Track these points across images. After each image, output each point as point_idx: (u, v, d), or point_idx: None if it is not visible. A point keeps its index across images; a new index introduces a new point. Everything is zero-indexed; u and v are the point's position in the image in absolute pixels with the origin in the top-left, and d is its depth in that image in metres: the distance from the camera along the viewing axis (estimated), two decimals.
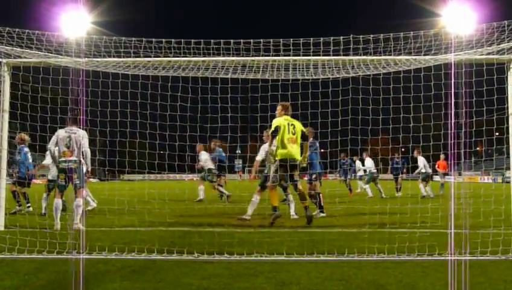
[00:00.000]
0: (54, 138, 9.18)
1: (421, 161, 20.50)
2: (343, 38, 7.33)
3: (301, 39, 7.34)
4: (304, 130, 10.00)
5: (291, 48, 7.57)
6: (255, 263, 5.85)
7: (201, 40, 7.20)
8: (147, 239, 6.99)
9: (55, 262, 5.85)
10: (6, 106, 8.85)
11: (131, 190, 17.18)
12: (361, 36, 7.28)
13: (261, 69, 8.12)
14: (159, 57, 7.62)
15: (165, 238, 7.16)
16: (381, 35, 7.28)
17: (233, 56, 7.54)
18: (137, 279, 5.09)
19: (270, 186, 9.92)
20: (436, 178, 24.89)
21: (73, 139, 9.07)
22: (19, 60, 8.73)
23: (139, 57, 7.66)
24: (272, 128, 9.60)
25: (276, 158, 9.70)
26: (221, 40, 7.22)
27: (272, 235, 7.69)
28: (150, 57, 7.65)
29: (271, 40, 7.47)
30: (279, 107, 9.92)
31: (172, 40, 7.22)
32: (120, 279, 5.07)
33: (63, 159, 9.03)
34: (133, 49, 7.47)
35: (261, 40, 7.28)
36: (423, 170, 20.43)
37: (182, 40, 7.20)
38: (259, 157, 10.96)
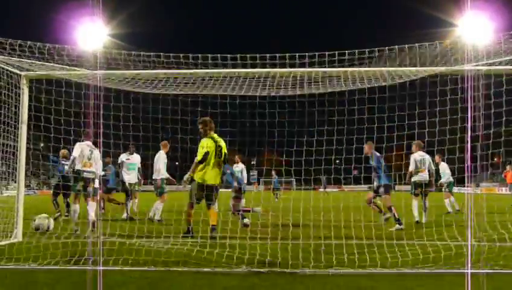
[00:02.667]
0: (77, 149, 10.20)
1: (444, 167, 17.31)
2: (358, 52, 7.32)
3: (327, 53, 7.35)
4: (226, 151, 9.67)
5: (307, 61, 7.55)
6: (271, 275, 5.83)
7: (218, 55, 7.23)
8: (163, 251, 6.99)
9: (73, 273, 5.87)
10: (25, 117, 8.98)
11: (147, 201, 17.23)
12: (376, 49, 7.26)
13: (277, 83, 8.14)
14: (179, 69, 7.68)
15: (181, 250, 7.15)
16: (396, 46, 7.26)
17: (250, 68, 7.58)
18: None
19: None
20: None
21: (94, 154, 10.31)
22: (37, 72, 8.87)
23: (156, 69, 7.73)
24: (200, 157, 9.32)
25: (196, 181, 9.47)
26: (238, 55, 7.24)
27: (287, 247, 7.63)
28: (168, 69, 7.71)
29: (290, 54, 7.50)
30: (201, 124, 9.57)
31: (190, 54, 7.26)
32: None
33: (83, 168, 10.12)
34: (151, 64, 7.53)
35: (277, 55, 7.31)
36: (449, 179, 17.22)
37: (199, 54, 7.25)
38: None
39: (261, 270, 6.03)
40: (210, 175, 9.47)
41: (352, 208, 15.93)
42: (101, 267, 5.99)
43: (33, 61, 8.02)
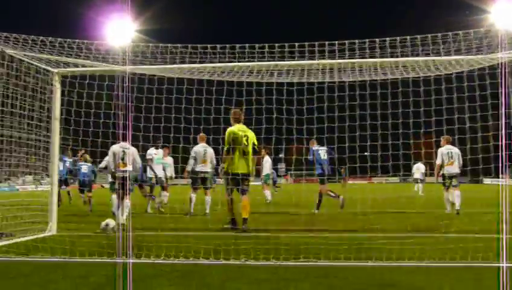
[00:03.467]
0: (110, 153, 11.01)
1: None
2: (389, 39, 7.17)
3: (356, 41, 7.22)
4: (256, 142, 9.79)
5: (337, 50, 7.45)
6: (302, 267, 5.80)
7: (246, 45, 7.19)
8: (193, 244, 7.04)
9: (106, 266, 5.96)
10: (57, 113, 9.14)
11: (176, 194, 17.36)
12: (408, 37, 7.09)
13: (305, 72, 8.06)
14: (204, 62, 7.70)
15: (211, 243, 7.19)
16: (429, 35, 7.08)
17: (277, 60, 7.52)
18: (185, 283, 5.13)
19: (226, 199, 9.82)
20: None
21: (127, 154, 10.91)
22: (68, 69, 9.02)
23: (185, 63, 7.76)
24: (226, 146, 9.52)
25: (225, 171, 9.71)
26: (266, 44, 7.19)
27: (318, 240, 7.60)
28: (195, 63, 7.74)
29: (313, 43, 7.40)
30: (233, 117, 9.73)
31: (218, 45, 7.26)
32: (168, 283, 5.13)
33: (121, 169, 10.89)
34: (178, 55, 7.56)
35: (306, 44, 7.23)
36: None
37: (227, 45, 7.23)
38: None
39: (290, 263, 6.01)
40: (239, 164, 9.56)
41: (379, 199, 15.78)
42: (131, 260, 6.07)
43: (64, 58, 8.15)
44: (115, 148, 11.00)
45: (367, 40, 7.16)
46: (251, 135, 9.72)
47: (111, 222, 9.55)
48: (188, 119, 9.20)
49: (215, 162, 13.29)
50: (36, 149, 9.50)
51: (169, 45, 7.31)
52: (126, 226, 9.88)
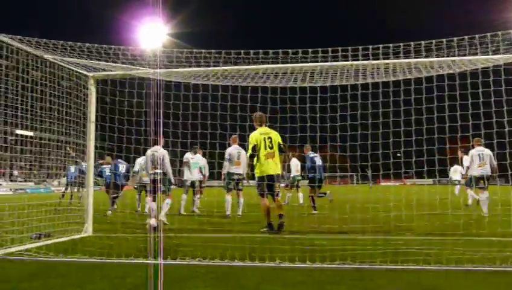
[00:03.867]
0: (145, 158, 11.63)
1: (466, 161, 16.32)
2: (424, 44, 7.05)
3: (391, 45, 7.14)
4: (281, 141, 9.76)
5: (370, 52, 7.37)
6: (338, 270, 5.75)
7: (279, 50, 7.19)
8: (228, 245, 7.06)
9: (142, 267, 6.03)
10: (93, 117, 9.32)
11: (211, 196, 17.52)
12: (444, 40, 6.97)
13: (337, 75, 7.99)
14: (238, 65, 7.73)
15: (246, 245, 7.20)
16: (466, 37, 6.93)
17: (310, 62, 7.48)
18: (220, 285, 5.15)
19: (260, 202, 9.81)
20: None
21: (156, 157, 11.23)
22: (103, 73, 9.18)
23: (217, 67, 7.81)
24: (249, 152, 9.59)
25: (256, 176, 9.69)
26: (300, 50, 7.17)
27: (354, 243, 7.52)
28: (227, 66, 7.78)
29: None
30: (255, 120, 9.75)
31: (251, 51, 7.27)
32: (203, 285, 5.15)
33: (151, 171, 11.32)
34: (212, 60, 7.61)
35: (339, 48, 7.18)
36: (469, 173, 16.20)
37: (260, 50, 7.23)
38: None
39: (325, 265, 5.97)
40: (267, 166, 9.60)
41: (413, 202, 15.53)
42: (162, 261, 6.14)
43: (99, 62, 8.30)
44: (148, 152, 11.41)
45: (401, 44, 7.07)
46: (274, 135, 9.72)
47: (154, 222, 10.31)
48: (224, 125, 9.26)
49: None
50: (74, 152, 9.72)
51: (203, 50, 7.37)
52: (167, 226, 10.15)
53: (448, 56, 7.33)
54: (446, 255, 6.21)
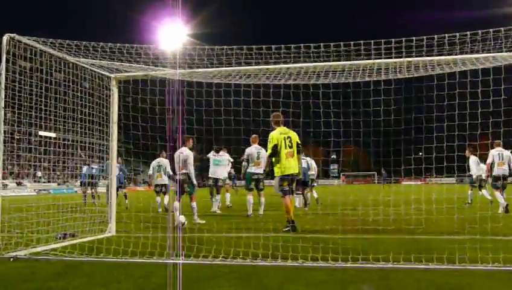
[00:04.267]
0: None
1: (473, 161, 17.14)
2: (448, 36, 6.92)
3: (413, 38, 7.03)
4: (299, 141, 9.89)
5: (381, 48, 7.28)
6: (361, 270, 5.72)
7: (301, 45, 7.14)
8: (250, 245, 7.07)
9: (166, 267, 6.06)
10: (115, 117, 9.41)
11: (233, 196, 17.57)
12: (458, 34, 6.85)
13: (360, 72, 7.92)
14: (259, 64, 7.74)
15: (268, 244, 7.20)
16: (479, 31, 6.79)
17: (333, 61, 7.44)
18: (244, 285, 5.15)
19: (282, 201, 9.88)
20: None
21: (181, 158, 11.72)
22: (125, 74, 9.26)
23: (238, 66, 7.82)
24: (269, 151, 9.68)
25: (275, 175, 9.76)
26: (321, 44, 7.11)
27: (376, 242, 7.47)
28: (250, 65, 7.78)
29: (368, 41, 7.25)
30: (272, 120, 9.87)
31: (273, 46, 7.25)
32: (227, 284, 5.16)
33: (178, 172, 11.71)
34: (234, 57, 7.62)
35: (362, 42, 7.10)
36: (474, 173, 17.29)
37: (282, 45, 7.20)
38: None
39: (348, 265, 5.93)
40: (286, 166, 9.65)
41: (435, 201, 15.37)
42: (181, 261, 6.17)
43: (122, 63, 8.38)
44: (175, 154, 11.95)
45: (424, 37, 6.96)
46: (293, 134, 9.81)
47: (184, 220, 10.77)
48: (247, 121, 9.28)
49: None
50: (95, 152, 9.84)
51: (225, 47, 7.37)
52: (189, 225, 10.58)
53: (471, 51, 7.21)
54: (471, 254, 6.11)
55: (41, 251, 7.19)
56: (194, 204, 11.83)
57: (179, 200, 11.35)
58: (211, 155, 15.61)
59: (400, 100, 8.37)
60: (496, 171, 13.97)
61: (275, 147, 9.62)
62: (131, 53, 7.85)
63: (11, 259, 6.66)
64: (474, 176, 17.28)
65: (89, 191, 19.17)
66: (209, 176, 15.70)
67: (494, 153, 13.94)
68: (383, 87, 8.20)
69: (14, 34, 7.16)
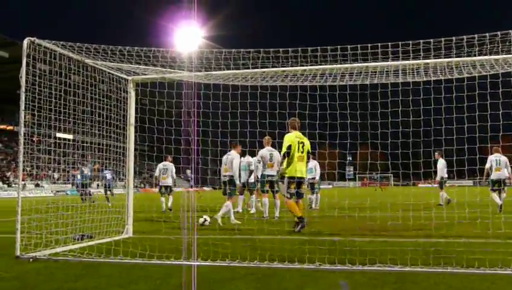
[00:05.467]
0: (223, 161, 12.58)
1: (441, 164, 18.67)
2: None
3: (431, 40, 6.97)
4: (310, 150, 10.39)
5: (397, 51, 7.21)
6: (379, 273, 5.67)
7: (318, 48, 7.12)
8: (267, 247, 7.07)
9: (185, 268, 6.08)
10: (132, 120, 9.48)
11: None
12: (487, 34, 6.75)
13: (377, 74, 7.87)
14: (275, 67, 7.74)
15: (285, 246, 7.18)
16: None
17: (350, 63, 7.41)
18: (262, 287, 5.15)
19: (286, 200, 10.22)
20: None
21: (229, 159, 12.35)
22: (142, 76, 9.33)
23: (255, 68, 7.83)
24: (284, 150, 9.98)
25: (285, 175, 10.10)
26: (338, 47, 7.09)
27: (393, 245, 7.41)
28: (266, 68, 7.79)
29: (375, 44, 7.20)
30: (290, 124, 10.24)
31: (281, 49, 7.26)
32: (245, 286, 5.17)
33: (223, 174, 12.49)
34: (251, 60, 7.62)
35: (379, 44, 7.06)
36: (443, 175, 18.82)
37: (299, 48, 7.18)
38: None
39: (366, 268, 5.90)
40: (297, 168, 10.02)
41: (457, 205, 15.26)
42: (194, 263, 6.19)
43: (139, 66, 8.43)
44: (224, 156, 12.56)
45: (443, 38, 6.89)
46: (306, 142, 10.26)
47: (208, 218, 11.26)
48: (263, 124, 9.27)
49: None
50: (114, 154, 9.91)
51: (241, 50, 7.38)
52: (204, 226, 10.74)
53: (491, 53, 7.11)
54: (490, 258, 6.02)
55: (59, 252, 7.27)
56: (229, 204, 12.08)
57: (229, 201, 11.99)
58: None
59: (418, 101, 8.27)
60: (493, 176, 15.26)
61: (290, 147, 9.91)
62: (149, 56, 7.89)
63: (31, 260, 6.74)
64: (438, 177, 18.95)
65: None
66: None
67: (492, 158, 15.24)
68: (401, 88, 8.14)
69: (34, 38, 7.25)
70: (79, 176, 22.19)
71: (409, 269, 5.78)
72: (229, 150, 12.45)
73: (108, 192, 20.87)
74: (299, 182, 10.14)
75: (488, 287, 5.00)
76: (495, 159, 15.29)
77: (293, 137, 10.07)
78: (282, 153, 10.12)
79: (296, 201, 10.16)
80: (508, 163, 15.38)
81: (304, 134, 10.23)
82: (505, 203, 14.80)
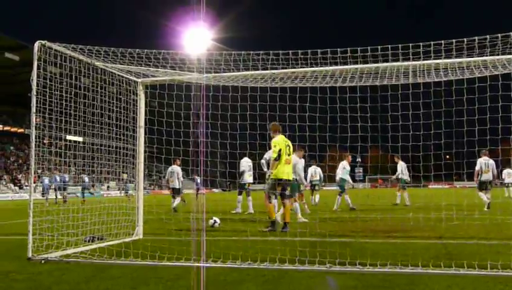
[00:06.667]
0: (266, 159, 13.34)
1: (400, 166, 20.65)
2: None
3: (442, 41, 6.92)
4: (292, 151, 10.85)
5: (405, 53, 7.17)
6: (390, 275, 5.64)
7: (328, 50, 7.10)
8: (277, 248, 7.06)
9: (194, 269, 6.09)
10: (142, 121, 9.52)
11: (259, 199, 17.61)
12: (499, 35, 6.68)
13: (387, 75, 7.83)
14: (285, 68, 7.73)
15: (295, 248, 7.16)
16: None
17: (360, 64, 7.38)
18: (272, 289, 5.15)
19: (266, 202, 10.78)
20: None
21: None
22: (152, 78, 9.35)
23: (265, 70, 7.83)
24: (275, 154, 10.25)
25: (271, 177, 10.41)
26: (348, 49, 7.06)
27: (404, 247, 7.38)
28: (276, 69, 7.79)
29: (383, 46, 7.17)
30: (271, 128, 10.56)
31: (290, 51, 7.26)
32: (255, 288, 5.16)
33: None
34: (260, 62, 7.63)
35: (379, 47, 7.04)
36: (401, 176, 20.69)
37: (309, 50, 7.17)
38: None
39: (377, 269, 5.86)
40: (283, 171, 10.37)
41: (467, 206, 15.17)
42: (204, 264, 6.20)
43: (149, 68, 8.47)
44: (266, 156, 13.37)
45: (454, 40, 6.84)
46: (291, 144, 10.65)
47: (218, 220, 11.40)
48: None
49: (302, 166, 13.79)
50: (124, 156, 9.97)
51: (251, 52, 7.39)
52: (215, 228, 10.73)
53: (504, 53, 7.04)
54: (502, 260, 5.97)
55: (71, 254, 7.31)
56: (297, 204, 12.87)
57: (297, 201, 12.78)
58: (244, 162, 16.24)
59: (429, 104, 8.19)
60: (483, 177, 17.09)
61: (280, 151, 10.25)
62: (158, 58, 7.92)
63: (42, 261, 6.79)
64: (394, 177, 21.13)
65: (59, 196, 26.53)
66: (243, 182, 16.62)
67: (482, 161, 16.91)
68: (411, 91, 8.09)
69: (45, 41, 7.31)
70: (46, 181, 28.24)
71: (420, 271, 5.73)
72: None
73: (82, 195, 24.97)
74: (285, 184, 10.51)
75: (502, 289, 4.96)
76: (484, 162, 16.94)
77: (281, 141, 10.43)
78: (273, 157, 10.36)
79: (282, 202, 10.70)
80: (495, 166, 17.20)
81: (314, 137, 10.14)
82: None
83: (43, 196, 26.28)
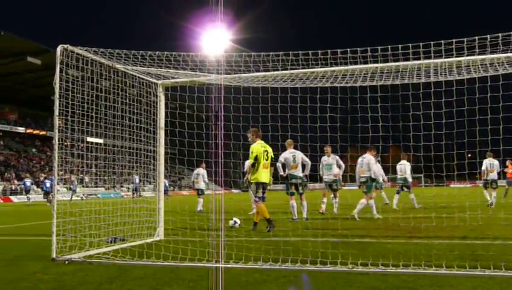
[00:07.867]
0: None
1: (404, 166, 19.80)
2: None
3: (453, 40, 6.84)
4: (273, 156, 11.22)
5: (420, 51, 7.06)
6: (414, 275, 5.58)
7: (348, 49, 7.06)
8: (298, 249, 7.03)
9: (216, 271, 6.10)
10: (162, 123, 9.58)
11: (275, 200, 17.62)
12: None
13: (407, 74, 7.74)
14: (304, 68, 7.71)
15: (316, 248, 7.13)
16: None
17: (380, 63, 7.32)
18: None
19: (256, 204, 11.19)
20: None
21: (364, 162, 13.85)
22: (171, 80, 9.41)
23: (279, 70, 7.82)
24: (252, 160, 10.69)
25: (252, 182, 10.83)
26: (368, 48, 7.01)
27: (428, 247, 7.29)
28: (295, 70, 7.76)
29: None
30: (250, 133, 10.87)
31: (310, 51, 7.23)
32: (277, 289, 5.16)
33: (361, 175, 13.90)
34: (280, 63, 7.61)
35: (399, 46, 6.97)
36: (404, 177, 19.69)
37: (319, 51, 7.15)
38: None
39: (400, 270, 5.80)
40: (262, 175, 10.82)
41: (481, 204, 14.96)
42: (225, 265, 6.20)
43: (168, 70, 8.52)
44: (359, 159, 13.98)
45: (465, 38, 6.75)
46: (270, 150, 11.07)
47: (238, 220, 11.64)
48: (294, 127, 9.28)
49: (309, 163, 13.53)
50: (144, 158, 10.04)
51: (271, 53, 7.39)
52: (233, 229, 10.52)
53: None
54: None
55: (93, 255, 7.39)
56: (365, 201, 13.30)
57: (371, 198, 13.47)
58: (323, 159, 16.04)
59: (440, 104, 8.06)
60: (488, 177, 18.44)
61: (257, 157, 10.72)
62: (178, 60, 7.96)
63: (66, 262, 6.87)
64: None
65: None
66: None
67: (487, 162, 18.33)
68: (433, 89, 7.98)
69: (67, 45, 7.41)
70: (48, 184, 31.61)
71: (444, 272, 5.66)
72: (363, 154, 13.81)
73: (75, 197, 26.96)
74: (264, 187, 10.92)
75: None
76: (489, 163, 18.38)
77: (259, 147, 10.85)
78: (250, 163, 10.79)
79: (257, 202, 11.00)
80: (499, 166, 18.86)
81: (334, 138, 10.02)
82: None
83: (44, 198, 28.57)
